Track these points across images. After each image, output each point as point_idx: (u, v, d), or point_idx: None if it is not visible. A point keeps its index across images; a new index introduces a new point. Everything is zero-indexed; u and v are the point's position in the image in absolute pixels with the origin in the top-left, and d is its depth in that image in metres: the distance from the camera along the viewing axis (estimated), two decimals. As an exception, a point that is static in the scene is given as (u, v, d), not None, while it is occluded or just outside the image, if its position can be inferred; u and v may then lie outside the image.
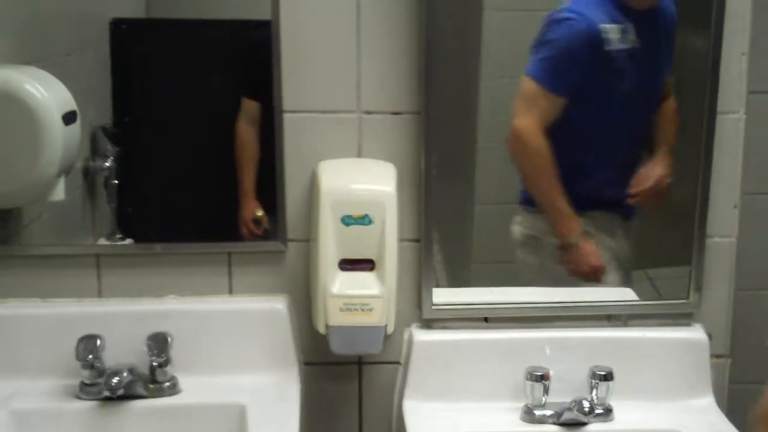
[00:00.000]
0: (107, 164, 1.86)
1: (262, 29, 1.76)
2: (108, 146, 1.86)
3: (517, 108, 1.87)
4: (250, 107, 1.82)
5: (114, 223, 1.89)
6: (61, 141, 1.74)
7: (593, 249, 1.92)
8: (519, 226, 1.95)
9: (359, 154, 1.80)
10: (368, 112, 1.78)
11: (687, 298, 1.89)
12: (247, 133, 1.82)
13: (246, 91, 1.83)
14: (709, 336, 1.88)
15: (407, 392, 1.82)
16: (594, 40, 1.82)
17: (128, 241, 1.88)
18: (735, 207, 1.88)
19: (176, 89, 1.86)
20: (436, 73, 1.75)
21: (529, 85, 1.86)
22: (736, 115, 1.84)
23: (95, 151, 1.85)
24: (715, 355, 1.91)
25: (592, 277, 1.93)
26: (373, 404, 1.90)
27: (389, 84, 1.77)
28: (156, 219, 1.90)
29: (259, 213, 1.84)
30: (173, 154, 1.88)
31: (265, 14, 1.76)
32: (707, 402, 1.86)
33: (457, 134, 1.90)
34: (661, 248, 1.98)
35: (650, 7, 1.88)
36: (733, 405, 1.93)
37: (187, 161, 1.88)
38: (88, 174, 1.86)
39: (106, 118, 1.85)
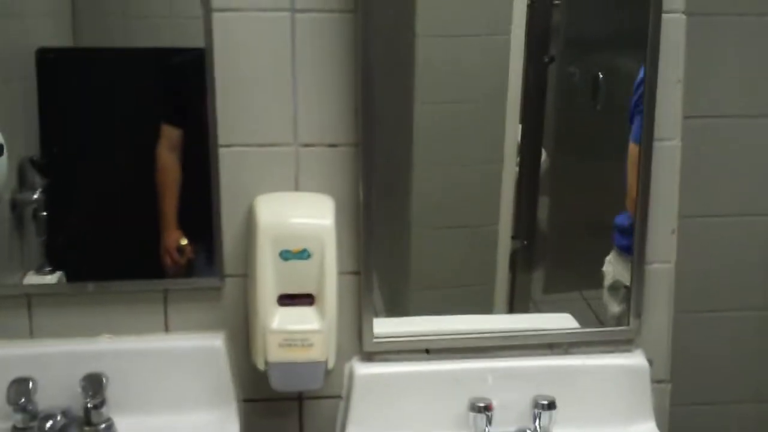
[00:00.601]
0: (35, 196, 1.82)
1: (187, 54, 1.75)
2: (36, 178, 1.82)
3: None
4: (171, 134, 1.79)
5: (43, 256, 1.85)
6: (-13, 174, 1.71)
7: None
8: (611, 266, 1.94)
9: (297, 188, 1.77)
10: (305, 145, 1.76)
11: (627, 324, 1.90)
12: (167, 159, 1.79)
13: (167, 118, 1.79)
14: (650, 362, 1.89)
15: (349, 426, 1.80)
16: None
17: (58, 273, 1.83)
18: (673, 232, 1.89)
19: (103, 118, 1.82)
20: (373, 103, 1.73)
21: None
22: (672, 141, 1.85)
23: (23, 183, 1.81)
24: (656, 381, 1.92)
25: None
26: (315, 440, 1.88)
27: (326, 116, 1.75)
28: (87, 253, 1.86)
29: (183, 242, 1.81)
30: (102, 185, 1.84)
31: (196, 42, 1.73)
32: (649, 428, 1.87)
33: (394, 163, 1.90)
34: (598, 271, 1.98)
35: None
36: (674, 428, 1.95)
37: (115, 192, 1.84)
38: (15, 207, 1.82)
39: (33, 149, 1.82)
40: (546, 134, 2.01)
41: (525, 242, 2.00)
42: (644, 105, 1.80)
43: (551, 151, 2.01)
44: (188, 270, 1.83)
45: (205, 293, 1.80)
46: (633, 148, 1.84)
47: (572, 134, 2.05)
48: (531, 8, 1.92)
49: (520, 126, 1.95)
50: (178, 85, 1.80)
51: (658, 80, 1.80)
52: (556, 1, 1.98)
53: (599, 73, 1.94)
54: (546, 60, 1.97)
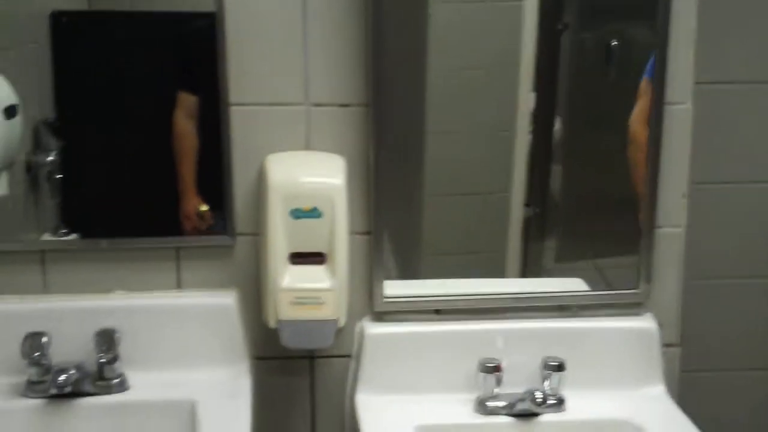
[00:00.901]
0: (50, 158, 1.84)
1: (203, 21, 1.75)
2: (50, 140, 1.83)
3: None
4: (187, 101, 1.80)
5: (58, 217, 1.86)
6: (1, 135, 1.74)
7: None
8: None
9: (308, 147, 1.79)
10: (317, 105, 1.77)
11: (637, 288, 1.90)
12: (185, 126, 1.80)
13: (183, 85, 1.80)
14: (660, 325, 1.89)
15: (359, 386, 1.82)
16: None
17: (73, 236, 1.85)
18: (684, 197, 1.89)
19: (117, 82, 1.83)
20: (384, 65, 1.74)
21: None
22: (683, 105, 1.85)
23: (38, 146, 1.83)
24: (666, 344, 1.92)
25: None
26: (326, 398, 1.90)
27: (337, 76, 1.76)
28: (101, 213, 1.87)
29: (203, 208, 1.82)
30: (115, 147, 1.85)
31: (208, 6, 1.74)
32: (658, 391, 1.87)
33: (406, 126, 1.89)
34: (610, 239, 1.99)
35: None
36: (683, 393, 1.95)
37: (129, 155, 1.86)
38: (30, 169, 1.84)
39: (48, 111, 1.83)
40: (559, 102, 2.01)
41: (537, 210, 2.00)
42: (655, 68, 1.80)
43: (564, 120, 2.00)
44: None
45: (217, 251, 1.82)
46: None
47: (585, 102, 2.04)
48: (544, -25, 1.91)
49: (533, 94, 1.95)
50: (194, 52, 1.80)
51: (669, 43, 1.80)
52: (570, -32, 1.98)
53: (612, 41, 1.94)
54: (559, 27, 1.96)
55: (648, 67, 1.85)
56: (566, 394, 1.79)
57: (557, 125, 1.99)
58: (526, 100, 1.95)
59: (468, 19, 1.91)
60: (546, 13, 1.93)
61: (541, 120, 1.97)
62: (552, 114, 1.99)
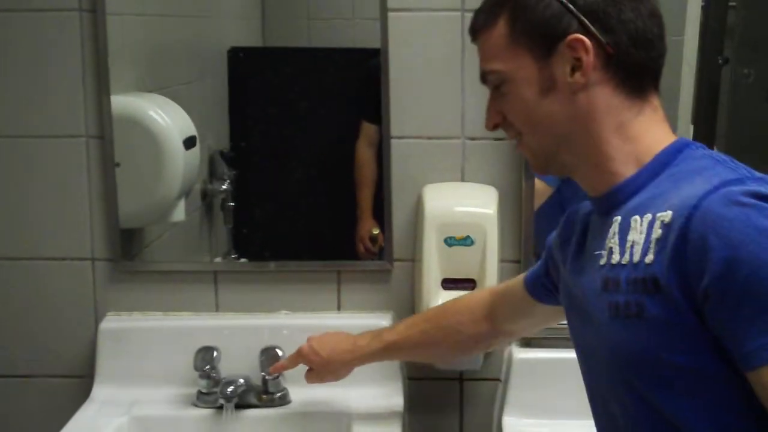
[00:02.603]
0: (224, 187, 1.96)
1: (377, 57, 1.83)
2: (225, 170, 1.96)
3: None
4: (369, 130, 1.89)
5: (230, 243, 1.98)
6: (181, 164, 1.86)
7: None
8: None
9: (462, 178, 1.86)
10: (471, 138, 1.84)
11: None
12: (366, 154, 1.90)
13: (366, 115, 1.90)
14: None
15: (507, 409, 1.85)
16: None
17: (243, 260, 1.97)
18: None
19: (290, 114, 1.94)
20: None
21: None
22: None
23: (213, 174, 1.95)
24: None
25: None
26: (474, 419, 1.95)
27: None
28: (269, 239, 1.98)
29: (376, 231, 1.91)
30: (288, 177, 1.96)
31: (374, 42, 1.83)
32: None
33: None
34: None
35: None
36: None
37: (301, 184, 1.96)
38: (206, 196, 1.97)
39: (223, 142, 1.95)
40: (718, 135, 2.01)
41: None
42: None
43: (723, 152, 2.00)
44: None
45: (375, 275, 1.90)
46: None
47: (746, 135, 2.04)
48: (705, 9, 1.93)
49: (691, 126, 1.96)
50: (373, 84, 1.85)
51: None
52: (732, 2, 1.98)
53: (774, 75, 1.93)
54: (720, 61, 1.97)
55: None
56: None
57: (716, 159, 1.99)
58: (686, 132, 1.95)
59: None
60: (706, 47, 1.94)
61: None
62: (711, 147, 1.99)
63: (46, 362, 1.95)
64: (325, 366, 1.71)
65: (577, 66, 1.16)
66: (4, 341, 1.94)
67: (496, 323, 1.57)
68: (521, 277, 1.52)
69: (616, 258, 1.14)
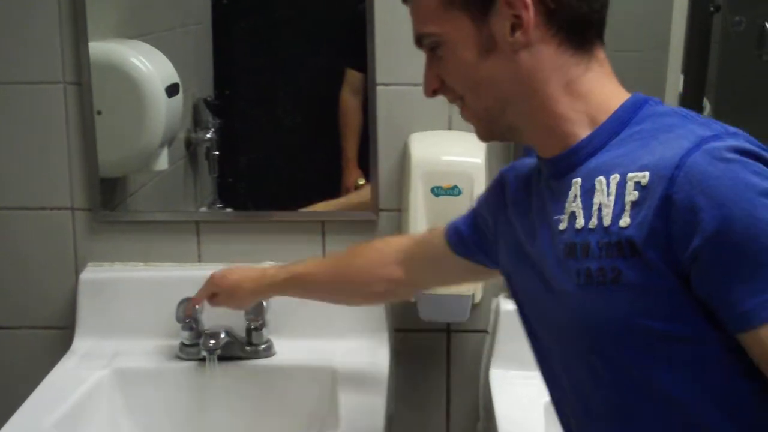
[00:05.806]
0: (209, 135, 1.93)
1: (364, 2, 1.79)
2: (209, 118, 1.92)
3: None
4: (353, 78, 1.86)
5: (215, 192, 1.95)
6: (164, 112, 1.83)
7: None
8: None
9: (450, 127, 1.83)
10: (460, 85, 1.80)
11: None
12: (350, 102, 1.86)
13: (351, 62, 1.86)
14: None
15: (494, 360, 1.84)
16: None
17: (228, 210, 1.94)
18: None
19: (276, 62, 1.90)
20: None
21: None
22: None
23: (197, 123, 1.92)
24: None
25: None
26: (461, 370, 1.94)
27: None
28: (255, 189, 1.96)
29: (361, 181, 1.89)
30: (273, 125, 1.93)
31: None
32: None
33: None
34: None
35: None
36: None
37: (287, 132, 1.93)
38: (190, 145, 1.93)
39: (207, 90, 1.92)
40: (708, 84, 1.98)
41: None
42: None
43: (714, 102, 1.98)
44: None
45: (360, 226, 1.87)
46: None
47: (736, 85, 2.02)
48: (697, -43, 1.89)
49: (682, 76, 1.93)
50: (358, 30, 1.82)
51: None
52: (723, -51, 1.95)
53: (766, 23, 1.91)
54: (711, 9, 1.94)
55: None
56: None
57: (706, 108, 1.97)
58: (675, 81, 1.93)
59: (620, 1, 1.90)
60: (697, -5, 1.91)
61: (690, 102, 1.96)
62: (701, 96, 1.97)
63: (26, 314, 1.93)
64: (232, 291, 1.69)
65: (517, 24, 1.09)
66: (-18, 293, 1.92)
67: (408, 271, 1.53)
68: (442, 227, 1.47)
69: (581, 222, 1.09)
